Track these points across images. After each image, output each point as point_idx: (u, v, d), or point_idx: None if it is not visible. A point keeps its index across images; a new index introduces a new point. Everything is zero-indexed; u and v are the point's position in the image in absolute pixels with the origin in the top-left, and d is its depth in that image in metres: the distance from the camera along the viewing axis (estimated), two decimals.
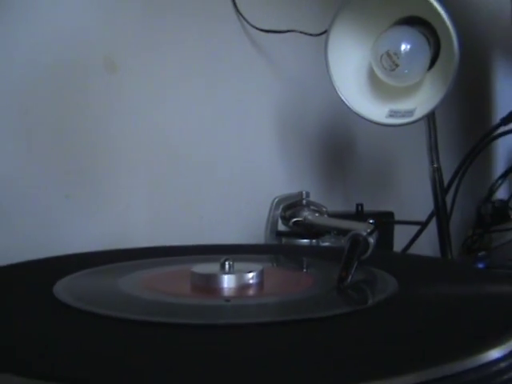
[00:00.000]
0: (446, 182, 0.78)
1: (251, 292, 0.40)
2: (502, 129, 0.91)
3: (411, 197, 1.10)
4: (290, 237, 0.66)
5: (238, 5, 0.77)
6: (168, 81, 0.70)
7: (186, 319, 0.33)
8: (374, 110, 0.66)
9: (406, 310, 0.35)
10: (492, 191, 1.19)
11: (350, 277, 0.40)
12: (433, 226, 0.76)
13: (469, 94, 1.32)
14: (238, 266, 0.41)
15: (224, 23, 0.77)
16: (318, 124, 0.93)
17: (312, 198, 0.68)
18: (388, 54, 0.63)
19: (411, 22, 0.65)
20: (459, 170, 0.90)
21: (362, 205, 0.78)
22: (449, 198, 0.82)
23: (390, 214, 0.82)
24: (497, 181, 1.20)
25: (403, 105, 0.66)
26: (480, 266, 0.75)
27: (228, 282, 0.40)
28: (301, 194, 0.67)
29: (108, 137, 0.64)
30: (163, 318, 0.33)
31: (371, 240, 0.45)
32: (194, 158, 0.73)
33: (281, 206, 0.66)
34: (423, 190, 0.85)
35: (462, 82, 0.93)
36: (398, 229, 0.83)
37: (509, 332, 0.28)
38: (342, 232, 0.58)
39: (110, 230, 0.64)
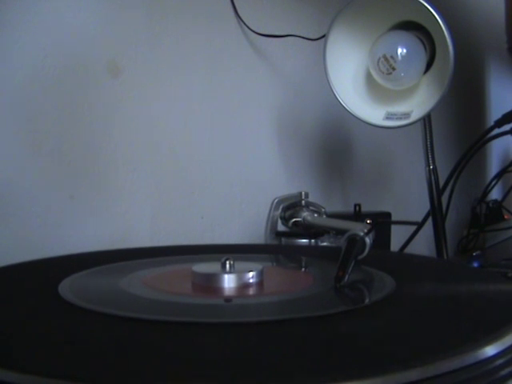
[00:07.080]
0: (441, 183, 0.78)
1: (251, 291, 0.40)
2: (496, 131, 0.91)
3: (408, 197, 1.11)
4: (290, 237, 0.66)
5: (239, 10, 0.78)
6: (170, 84, 0.71)
7: (187, 318, 0.33)
8: (371, 112, 0.67)
9: (403, 308, 0.35)
10: (486, 192, 1.19)
11: (346, 276, 0.40)
12: (429, 226, 0.76)
13: (464, 97, 1.32)
14: (238, 265, 0.41)
15: (225, 28, 0.77)
16: (316, 126, 0.93)
17: (311, 199, 0.68)
18: (385, 58, 0.64)
19: (407, 26, 0.65)
20: (454, 171, 0.90)
21: (359, 205, 0.77)
22: (444, 199, 0.83)
23: (387, 215, 0.83)
24: (491, 181, 1.19)
25: (400, 107, 0.66)
26: (475, 264, 0.75)
27: (228, 281, 0.40)
28: (300, 194, 0.67)
29: (111, 139, 0.64)
30: (164, 316, 0.33)
31: (368, 240, 0.46)
32: (195, 160, 0.74)
33: (280, 207, 0.66)
34: (419, 191, 0.86)
35: (457, 85, 0.94)
36: (394, 229, 0.83)
37: (504, 329, 0.28)
38: (339, 232, 0.57)
39: (113, 230, 0.64)
